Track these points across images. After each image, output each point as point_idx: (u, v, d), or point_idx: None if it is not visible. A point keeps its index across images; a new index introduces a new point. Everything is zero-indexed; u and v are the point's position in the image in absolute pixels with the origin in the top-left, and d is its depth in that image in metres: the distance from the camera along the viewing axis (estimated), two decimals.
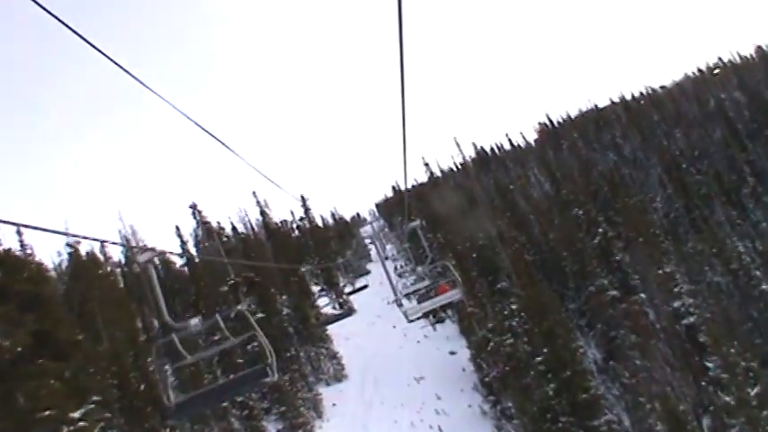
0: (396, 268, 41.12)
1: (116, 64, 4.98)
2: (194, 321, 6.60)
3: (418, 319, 20.54)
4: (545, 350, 33.08)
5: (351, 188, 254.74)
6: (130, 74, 5.22)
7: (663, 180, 70.24)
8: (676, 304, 36.10)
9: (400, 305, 19.51)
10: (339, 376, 48.87)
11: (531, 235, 59.51)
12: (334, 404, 44.64)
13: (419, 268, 21.92)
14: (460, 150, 63.26)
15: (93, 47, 4.64)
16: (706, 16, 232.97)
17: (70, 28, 4.33)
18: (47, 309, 17.23)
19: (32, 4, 3.91)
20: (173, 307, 47.12)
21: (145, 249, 6.67)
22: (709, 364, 31.57)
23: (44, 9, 4.04)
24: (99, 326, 30.33)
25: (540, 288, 37.89)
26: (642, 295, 42.32)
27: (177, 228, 49.95)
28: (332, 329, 50.45)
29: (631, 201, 51.90)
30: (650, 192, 69.66)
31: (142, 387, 23.52)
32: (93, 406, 21.35)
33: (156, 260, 7.07)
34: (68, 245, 42.33)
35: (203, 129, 6.89)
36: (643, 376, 32.55)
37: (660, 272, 37.86)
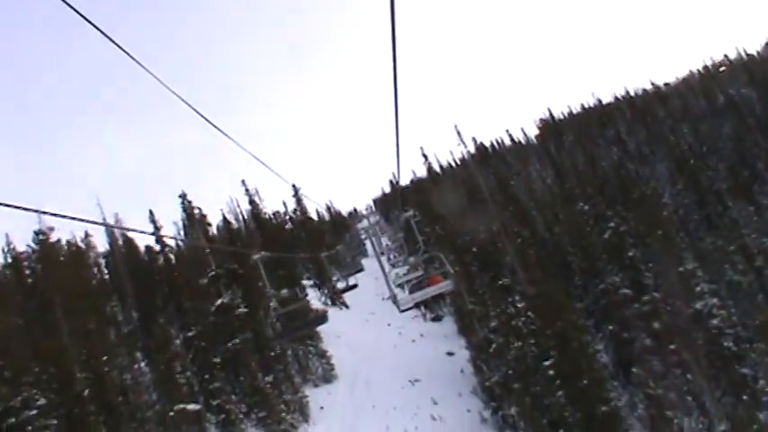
0: (389, 258, 38.63)
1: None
2: None
3: (409, 309, 19.52)
4: (554, 353, 29.88)
5: (349, 186, 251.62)
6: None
7: (673, 175, 67.42)
8: (698, 305, 32.84)
9: (395, 301, 18.96)
10: (328, 377, 45.47)
11: (534, 230, 56.29)
12: (321, 407, 41.33)
13: (411, 258, 21.64)
14: (461, 139, 60.09)
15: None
16: (707, 14, 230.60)
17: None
18: None
19: None
20: (152, 300, 43.80)
21: None
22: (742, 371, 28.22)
23: None
24: (58, 318, 27.03)
25: (551, 285, 34.44)
26: (656, 294, 39.10)
27: (151, 212, 46.25)
28: (322, 326, 47.13)
29: (647, 191, 48.42)
30: (658, 187, 66.79)
31: (86, 393, 20.00)
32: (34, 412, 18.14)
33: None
34: (36, 232, 39.07)
35: (194, 109, 7.49)
36: (665, 384, 29.21)
37: (681, 269, 34.51)
